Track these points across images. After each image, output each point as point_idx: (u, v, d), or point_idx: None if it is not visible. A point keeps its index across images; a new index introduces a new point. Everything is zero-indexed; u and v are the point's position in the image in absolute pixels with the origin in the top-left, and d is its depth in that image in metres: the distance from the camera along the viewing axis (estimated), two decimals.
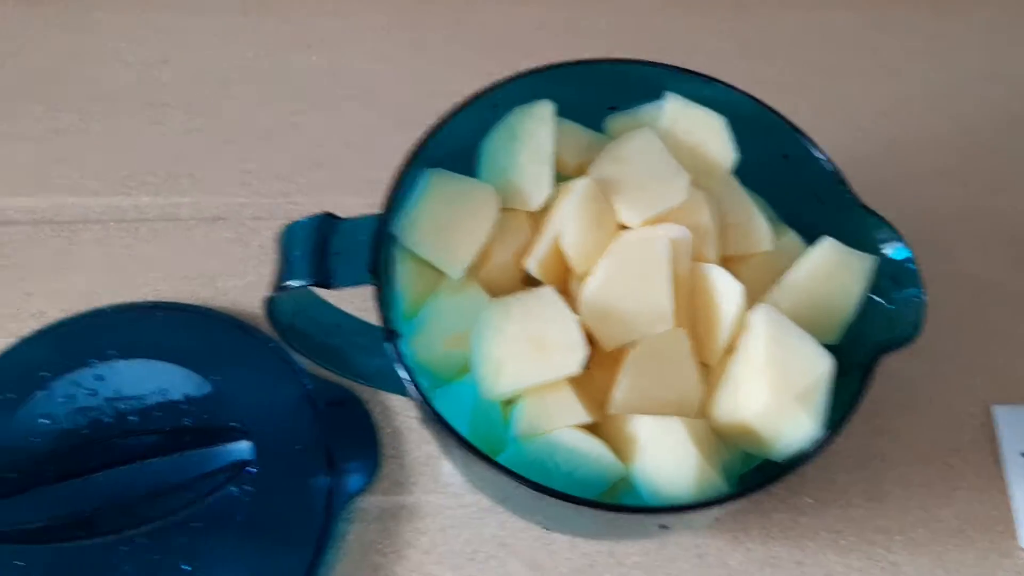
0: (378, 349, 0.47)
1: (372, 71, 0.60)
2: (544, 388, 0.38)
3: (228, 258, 0.54)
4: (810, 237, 0.43)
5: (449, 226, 0.41)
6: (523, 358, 0.38)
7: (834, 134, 0.56)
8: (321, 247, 0.39)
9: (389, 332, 0.37)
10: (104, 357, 0.49)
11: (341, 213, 0.54)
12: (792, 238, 0.44)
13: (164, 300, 0.52)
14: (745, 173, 0.44)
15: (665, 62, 0.45)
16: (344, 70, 0.60)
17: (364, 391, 0.50)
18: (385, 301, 0.38)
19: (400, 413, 0.50)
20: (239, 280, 0.53)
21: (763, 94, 0.43)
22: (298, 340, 0.44)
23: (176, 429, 0.47)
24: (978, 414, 0.51)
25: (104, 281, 0.53)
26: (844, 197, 0.41)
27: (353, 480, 0.48)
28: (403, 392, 0.49)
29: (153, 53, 0.60)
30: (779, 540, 0.47)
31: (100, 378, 0.48)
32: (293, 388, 0.49)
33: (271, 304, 0.41)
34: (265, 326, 0.50)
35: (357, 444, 0.49)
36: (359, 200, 0.54)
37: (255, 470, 0.46)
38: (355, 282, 0.39)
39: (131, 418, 0.47)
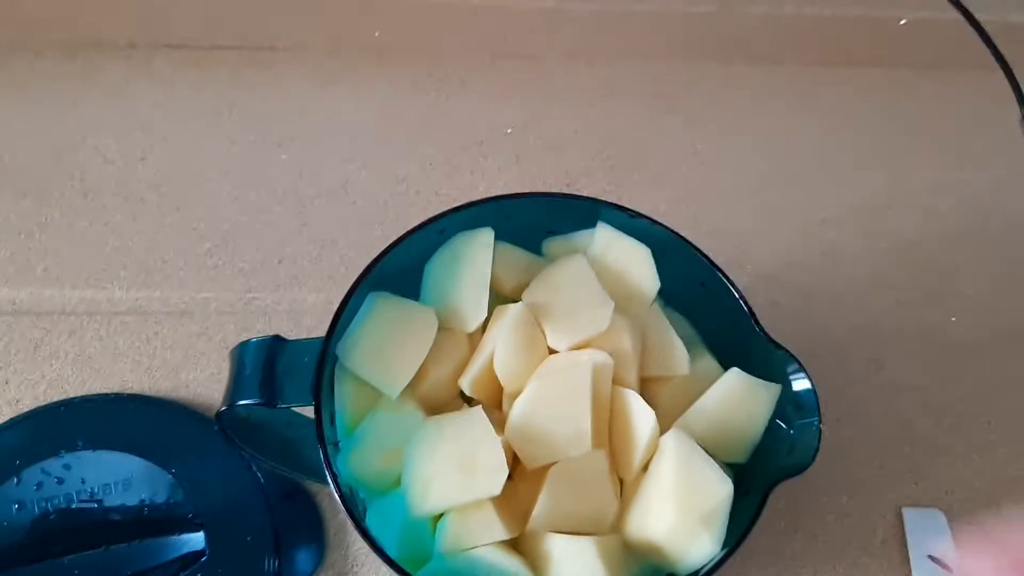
0: None
1: (339, 170, 0.64)
2: (468, 506, 0.41)
3: (192, 351, 0.57)
4: (728, 357, 0.47)
5: (389, 348, 0.44)
6: (450, 478, 0.41)
7: (774, 238, 0.61)
8: (270, 368, 0.43)
9: (324, 450, 0.41)
10: (71, 447, 0.52)
11: (301, 308, 0.58)
12: (708, 361, 0.47)
13: (129, 392, 0.56)
14: (671, 295, 0.48)
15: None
16: (312, 168, 0.64)
17: (312, 484, 0.54)
18: (324, 422, 0.42)
19: None
20: (201, 372, 0.56)
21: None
22: (249, 441, 0.47)
23: (137, 520, 0.50)
24: (889, 515, 0.55)
25: (75, 371, 0.56)
26: (752, 329, 0.45)
27: (299, 568, 0.51)
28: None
29: (134, 150, 0.63)
30: None
31: (67, 467, 0.52)
32: (246, 480, 0.52)
33: (222, 417, 0.44)
34: None
35: (304, 534, 0.53)
36: (319, 296, 0.58)
37: (207, 559, 0.49)
38: (298, 402, 0.42)
39: (95, 507, 0.51)
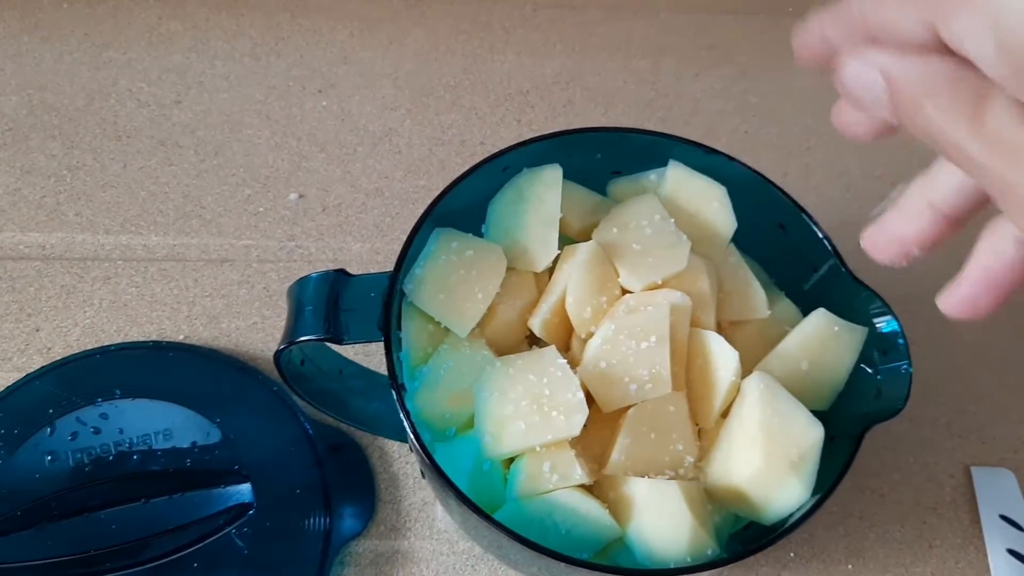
0: (378, 395, 0.49)
1: (381, 117, 0.61)
2: (545, 448, 0.39)
3: (233, 300, 0.55)
4: (805, 303, 0.45)
5: (457, 286, 0.42)
6: (526, 419, 0.39)
7: (827, 194, 0.59)
8: (333, 303, 0.40)
9: (397, 388, 0.39)
10: (109, 396, 0.50)
11: (345, 258, 0.56)
12: (787, 306, 0.45)
13: (169, 340, 0.53)
14: (742, 239, 0.46)
15: (668, 128, 0.47)
16: (354, 116, 0.61)
17: (363, 436, 0.51)
18: (394, 358, 0.40)
19: (397, 459, 0.51)
20: (243, 321, 0.54)
21: (762, 156, 0.45)
22: (303, 386, 0.45)
23: (178, 471, 0.48)
24: (958, 475, 0.53)
25: (111, 319, 0.54)
26: (838, 269, 0.43)
27: (349, 524, 0.49)
28: (402, 439, 0.50)
29: (168, 94, 0.61)
30: None
31: (104, 417, 0.49)
32: (294, 431, 0.50)
33: (281, 356, 0.42)
34: (267, 368, 0.52)
35: (354, 488, 0.50)
36: (364, 245, 0.56)
37: (254, 512, 0.47)
38: (365, 338, 0.40)
39: (134, 458, 0.48)
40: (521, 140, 0.44)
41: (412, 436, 0.38)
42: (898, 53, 0.27)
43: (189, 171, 0.58)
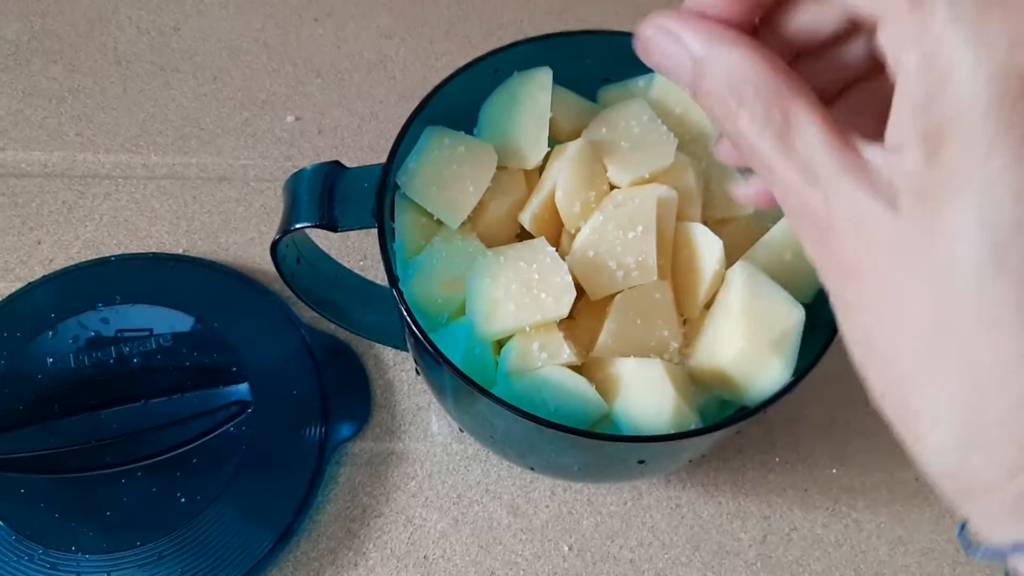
0: (374, 304, 0.50)
1: (377, 45, 0.63)
2: (534, 329, 0.40)
3: (231, 216, 0.56)
4: None
5: (449, 179, 0.43)
6: (517, 300, 0.40)
7: None
8: (328, 192, 0.41)
9: (391, 272, 0.40)
10: (109, 301, 0.51)
11: None
12: None
13: (168, 252, 0.55)
14: None
15: None
16: (349, 42, 0.62)
17: (359, 344, 0.53)
18: (387, 243, 0.41)
19: (393, 366, 0.52)
20: (240, 236, 0.55)
21: None
22: (299, 285, 0.46)
23: (178, 369, 0.49)
24: None
25: (111, 233, 0.55)
26: None
27: (345, 426, 0.50)
28: (396, 345, 0.51)
29: (167, 21, 0.62)
30: (749, 495, 0.50)
31: (105, 321, 0.50)
32: (292, 337, 0.51)
33: (277, 248, 0.43)
34: (265, 280, 0.53)
35: (351, 392, 0.52)
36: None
37: (252, 411, 0.48)
38: (359, 224, 0.41)
39: (134, 359, 0.49)
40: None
41: (407, 318, 0.39)
42: (709, 36, 0.26)
43: (188, 94, 0.59)
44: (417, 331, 0.39)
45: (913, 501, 0.50)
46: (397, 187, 0.43)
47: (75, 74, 0.59)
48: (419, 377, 0.50)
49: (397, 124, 0.59)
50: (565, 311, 0.40)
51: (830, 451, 0.52)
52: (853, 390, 0.53)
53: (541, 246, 0.42)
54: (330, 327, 0.52)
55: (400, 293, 0.39)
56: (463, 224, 0.43)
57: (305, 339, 0.51)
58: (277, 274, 0.54)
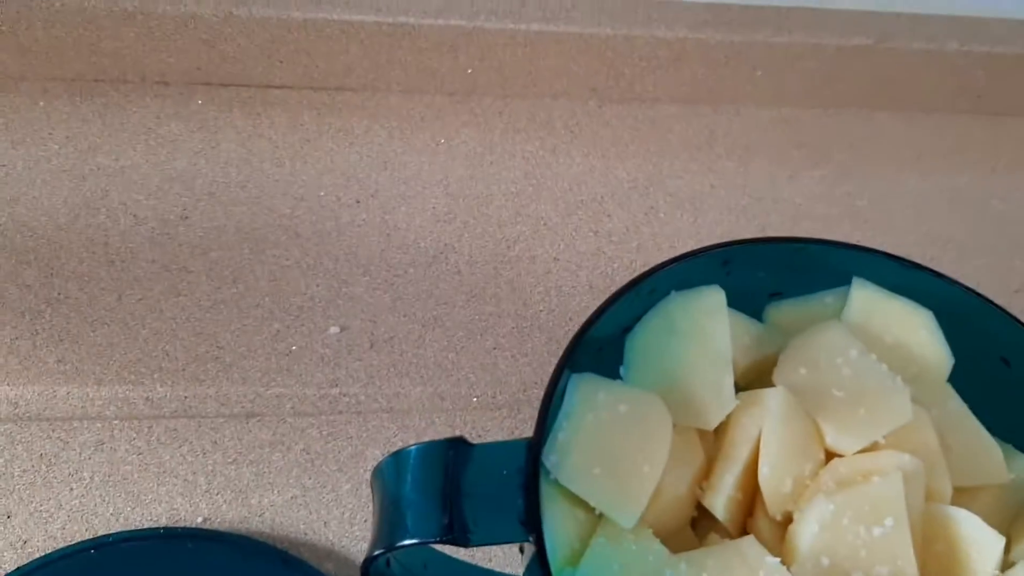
0: None
1: (433, 232, 0.51)
2: None
3: (264, 467, 0.43)
4: None
5: (616, 458, 0.31)
6: None
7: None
8: (453, 487, 0.29)
9: None
10: None
11: (403, 405, 0.45)
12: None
13: (184, 525, 0.41)
14: (953, 384, 0.36)
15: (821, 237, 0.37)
16: (401, 230, 0.51)
17: None
18: (547, 563, 0.28)
19: None
20: (279, 496, 0.42)
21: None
22: None
23: None
24: None
25: (105, 498, 0.41)
26: None
27: None
28: None
29: (171, 208, 0.50)
30: None
31: None
32: None
33: (371, 566, 0.30)
34: (315, 559, 0.40)
35: None
36: (425, 389, 0.46)
37: None
38: (502, 537, 0.29)
39: None
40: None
41: None
42: None
43: (201, 302, 0.47)
44: None
45: None
46: (546, 471, 0.31)
47: (55, 279, 0.46)
48: None
49: (468, 330, 0.48)
50: None
51: None
52: None
53: (757, 554, 0.30)
54: None
55: None
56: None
57: None
58: (329, 550, 0.41)
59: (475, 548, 0.40)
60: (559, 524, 0.31)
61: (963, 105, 0.61)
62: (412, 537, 0.29)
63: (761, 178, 0.56)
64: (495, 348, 0.47)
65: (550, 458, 0.31)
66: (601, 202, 0.54)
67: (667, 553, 0.31)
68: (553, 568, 0.31)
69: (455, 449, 0.30)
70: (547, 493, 0.31)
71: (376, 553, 0.29)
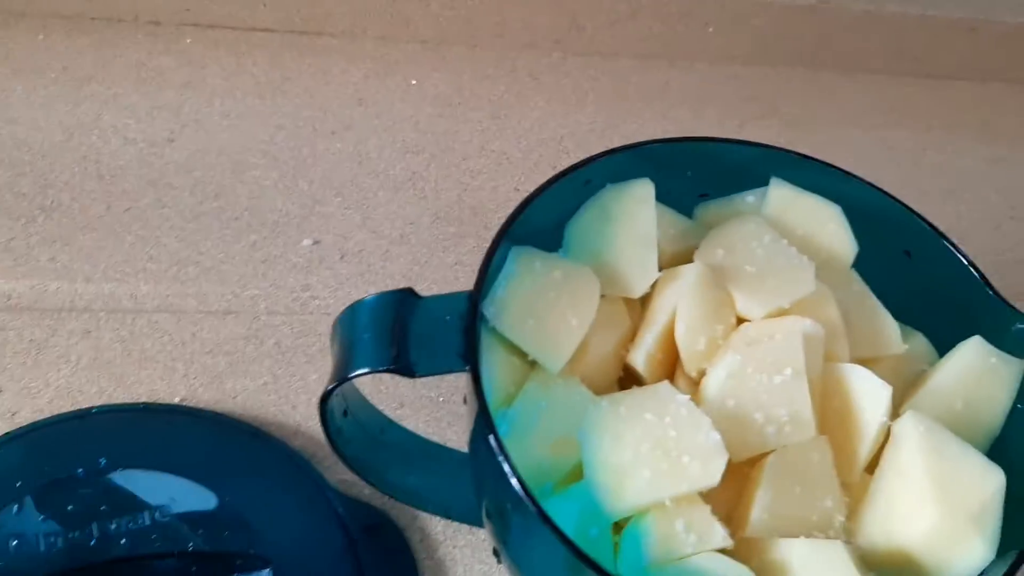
0: (432, 466, 0.41)
1: (403, 161, 0.55)
2: (676, 503, 0.31)
3: (238, 357, 0.46)
4: (935, 343, 0.39)
5: (548, 311, 0.35)
6: (651, 467, 0.31)
7: None
8: (401, 328, 0.33)
9: (493, 428, 0.31)
10: (90, 466, 0.40)
11: None
12: (920, 340, 0.39)
13: (162, 402, 0.44)
14: (859, 271, 0.40)
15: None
16: (373, 159, 0.54)
17: (401, 516, 0.43)
18: (484, 394, 0.32)
19: (444, 542, 0.42)
20: (251, 381, 0.46)
21: None
22: (345, 449, 0.37)
23: (180, 554, 0.39)
24: None
25: (90, 379, 0.45)
26: (983, 298, 0.37)
27: None
28: (449, 515, 0.42)
29: (159, 131, 0.53)
30: None
31: (85, 491, 0.40)
32: (320, 509, 0.41)
33: (330, 398, 0.34)
34: (283, 435, 0.44)
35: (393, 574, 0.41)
36: None
37: None
38: (443, 368, 0.33)
39: (122, 541, 0.38)
40: None
41: (517, 485, 0.30)
42: None
43: (185, 214, 0.50)
44: (528, 500, 0.29)
45: None
46: (484, 320, 0.34)
47: (49, 189, 0.50)
48: (499, 564, 0.40)
49: (431, 247, 0.52)
50: (716, 479, 0.31)
51: None
52: None
53: (668, 394, 0.33)
54: (363, 492, 0.42)
55: (503, 449, 0.30)
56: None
57: (336, 511, 0.41)
58: (296, 428, 0.44)
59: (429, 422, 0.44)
60: (496, 370, 0.35)
61: (903, 67, 0.66)
62: (363, 367, 0.32)
63: (712, 126, 0.60)
64: (456, 264, 0.51)
65: (489, 309, 0.34)
66: (560, 142, 0.58)
67: (591, 395, 0.34)
68: (491, 408, 0.35)
69: (404, 299, 0.34)
70: (486, 343, 0.35)
71: (332, 385, 0.33)
